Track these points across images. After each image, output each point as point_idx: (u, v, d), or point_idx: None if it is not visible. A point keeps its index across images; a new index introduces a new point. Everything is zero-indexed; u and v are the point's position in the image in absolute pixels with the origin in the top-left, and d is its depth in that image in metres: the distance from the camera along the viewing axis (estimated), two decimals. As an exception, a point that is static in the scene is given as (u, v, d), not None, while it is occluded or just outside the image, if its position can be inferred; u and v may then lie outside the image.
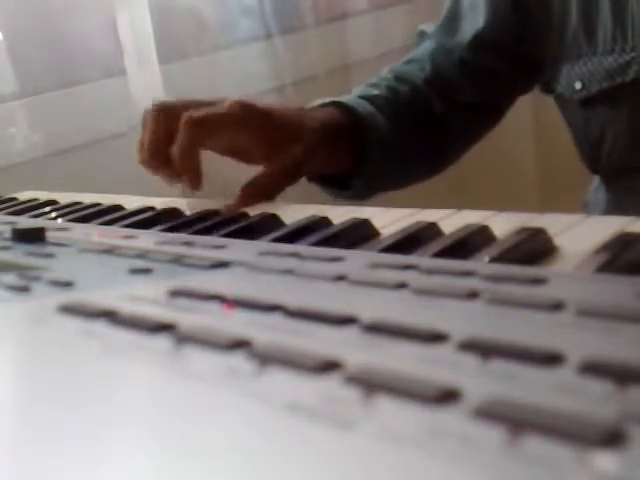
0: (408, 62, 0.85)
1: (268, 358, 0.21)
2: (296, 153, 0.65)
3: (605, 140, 0.74)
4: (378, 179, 0.77)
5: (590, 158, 0.78)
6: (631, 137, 0.72)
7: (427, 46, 0.84)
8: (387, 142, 0.76)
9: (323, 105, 0.75)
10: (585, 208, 0.85)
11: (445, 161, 0.86)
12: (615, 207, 0.78)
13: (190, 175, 0.61)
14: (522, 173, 1.70)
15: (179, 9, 1.29)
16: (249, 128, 0.63)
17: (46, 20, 1.14)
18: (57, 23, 1.15)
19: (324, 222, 0.47)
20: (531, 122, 1.60)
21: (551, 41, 0.76)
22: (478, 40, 0.80)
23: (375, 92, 0.80)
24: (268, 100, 1.28)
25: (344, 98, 0.76)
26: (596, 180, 0.83)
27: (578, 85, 0.74)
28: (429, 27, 0.86)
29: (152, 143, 0.63)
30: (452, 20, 0.83)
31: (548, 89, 0.80)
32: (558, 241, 0.37)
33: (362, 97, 0.78)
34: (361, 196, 0.78)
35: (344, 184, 0.75)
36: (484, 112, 0.85)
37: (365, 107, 0.76)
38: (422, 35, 0.87)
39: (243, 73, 1.31)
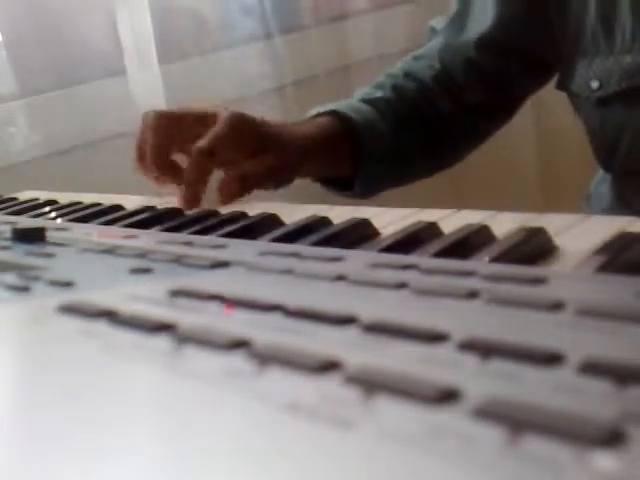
0: (418, 58, 0.84)
1: (268, 358, 0.21)
2: (267, 161, 0.66)
3: (622, 141, 0.73)
4: (378, 181, 0.79)
5: (605, 158, 0.77)
6: None
7: (436, 43, 0.83)
8: (385, 147, 0.77)
9: (320, 114, 0.76)
10: (587, 201, 0.84)
11: (448, 160, 0.86)
12: (620, 202, 0.77)
13: (193, 200, 0.62)
14: (522, 173, 1.69)
15: (179, 9, 1.29)
16: (242, 141, 0.65)
17: (46, 20, 1.14)
18: (57, 23, 1.15)
19: (324, 222, 0.47)
20: (532, 122, 1.60)
21: (567, 39, 0.75)
22: (484, 41, 0.79)
23: (378, 94, 0.80)
24: (268, 100, 1.29)
25: (343, 105, 0.77)
26: (600, 172, 0.82)
27: (595, 84, 0.72)
28: (439, 23, 0.85)
29: (154, 148, 0.64)
30: (461, 17, 0.81)
31: (562, 86, 0.79)
32: (558, 241, 0.37)
33: (364, 100, 0.79)
34: (363, 195, 0.79)
35: (346, 185, 0.77)
36: (491, 113, 0.84)
37: (364, 113, 0.77)
38: (432, 31, 0.86)
39: (243, 73, 1.31)
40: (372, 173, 0.77)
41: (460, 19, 0.82)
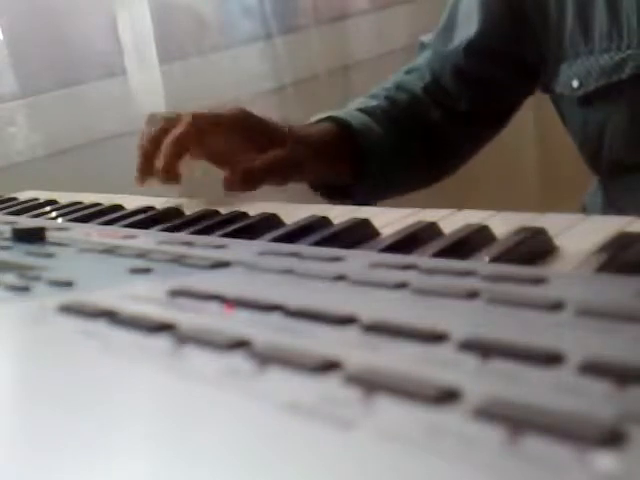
0: (408, 71, 0.87)
1: (268, 358, 0.21)
2: (278, 155, 0.66)
3: (604, 138, 0.75)
4: (378, 189, 0.79)
5: (591, 157, 0.79)
6: (629, 133, 0.73)
7: (426, 55, 0.86)
8: (384, 154, 0.78)
9: (320, 120, 0.77)
10: (583, 212, 0.85)
11: (445, 169, 0.88)
12: (613, 209, 0.78)
13: (168, 170, 0.61)
14: (522, 173, 1.70)
15: (179, 9, 1.29)
16: (244, 131, 0.65)
17: (46, 20, 1.14)
18: (57, 23, 1.15)
19: (324, 222, 0.47)
20: (532, 122, 1.60)
21: (549, 43, 0.77)
22: (470, 47, 0.81)
23: (373, 103, 0.82)
24: (268, 100, 1.29)
25: (340, 112, 0.78)
26: (594, 183, 0.83)
27: (575, 83, 0.75)
28: (428, 37, 0.88)
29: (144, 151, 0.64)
30: (448, 29, 0.84)
31: (547, 89, 0.81)
32: (558, 241, 0.37)
33: (359, 110, 0.80)
34: (364, 203, 0.79)
35: (346, 193, 0.77)
36: (483, 121, 0.86)
37: (362, 120, 0.78)
38: (422, 46, 0.89)
39: (243, 73, 1.31)
40: (372, 176, 0.77)
41: (447, 30, 0.84)
